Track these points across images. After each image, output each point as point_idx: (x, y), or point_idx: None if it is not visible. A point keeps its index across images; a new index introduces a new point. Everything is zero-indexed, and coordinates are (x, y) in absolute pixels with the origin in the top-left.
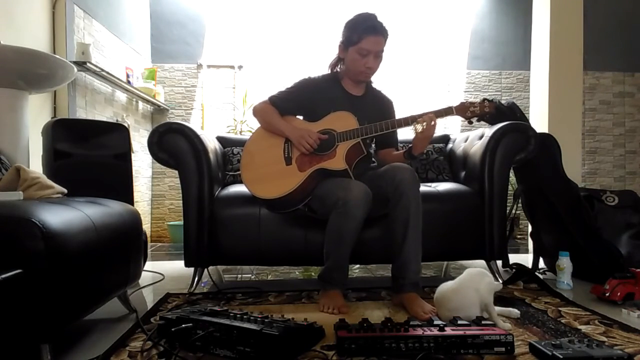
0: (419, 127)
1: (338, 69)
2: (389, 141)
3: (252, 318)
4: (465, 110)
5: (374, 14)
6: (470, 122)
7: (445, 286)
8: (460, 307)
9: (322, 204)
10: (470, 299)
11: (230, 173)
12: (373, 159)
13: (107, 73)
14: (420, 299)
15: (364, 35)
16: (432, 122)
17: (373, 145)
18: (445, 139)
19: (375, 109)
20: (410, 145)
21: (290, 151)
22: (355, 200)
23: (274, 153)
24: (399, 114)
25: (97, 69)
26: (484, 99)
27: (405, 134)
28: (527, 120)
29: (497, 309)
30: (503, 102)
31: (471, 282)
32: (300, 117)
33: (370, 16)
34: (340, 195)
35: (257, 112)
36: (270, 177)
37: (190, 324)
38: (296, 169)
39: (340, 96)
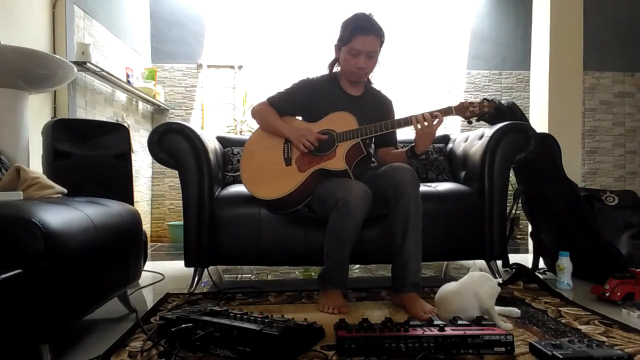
0: (419, 125)
1: (336, 69)
2: (389, 140)
3: (252, 318)
4: (465, 110)
5: (369, 14)
6: (470, 122)
7: (446, 287)
8: (460, 309)
9: (322, 204)
10: (470, 302)
11: (230, 174)
12: (373, 159)
13: (107, 73)
14: (421, 299)
15: (354, 35)
16: (435, 120)
17: (372, 144)
18: (445, 139)
19: (374, 109)
20: (412, 144)
21: (290, 152)
22: (355, 200)
23: (273, 154)
24: (399, 114)
25: (97, 69)
26: (484, 99)
27: (405, 134)
28: (527, 120)
29: (498, 308)
30: (503, 102)
31: (472, 285)
32: (299, 118)
33: (363, 16)
34: (340, 195)
35: (256, 113)
36: (269, 177)
37: (190, 324)
38: (296, 169)
39: (338, 96)
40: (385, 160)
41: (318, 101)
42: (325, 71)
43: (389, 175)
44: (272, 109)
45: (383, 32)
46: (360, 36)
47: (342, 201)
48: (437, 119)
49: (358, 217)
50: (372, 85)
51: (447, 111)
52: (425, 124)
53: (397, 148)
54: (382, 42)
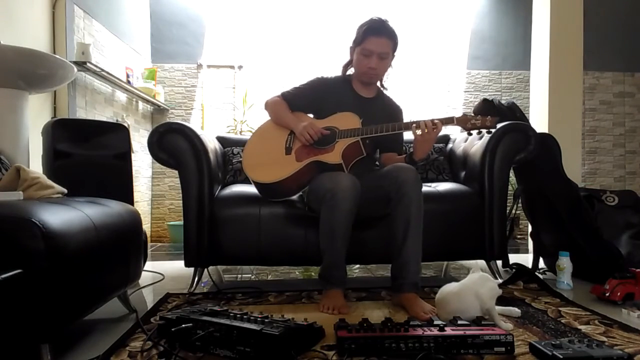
0: (419, 131)
1: (350, 71)
2: (392, 145)
3: (252, 318)
4: (466, 122)
5: (385, 19)
6: (470, 134)
7: (446, 288)
8: (460, 310)
9: (315, 198)
10: (470, 303)
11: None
12: (377, 163)
13: (107, 73)
14: (420, 299)
15: (367, 36)
16: (434, 128)
17: (377, 151)
18: (445, 139)
19: (384, 113)
20: (411, 150)
21: (292, 142)
22: (342, 192)
23: (276, 143)
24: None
25: (97, 69)
26: (484, 99)
27: (408, 135)
28: (527, 120)
29: (498, 308)
30: (503, 102)
31: (473, 286)
32: (311, 115)
33: (378, 19)
34: (328, 187)
35: (269, 105)
36: (267, 163)
37: (190, 324)
38: (294, 158)
39: (349, 97)
40: (388, 165)
41: (328, 100)
42: (327, 70)
43: (392, 175)
44: (284, 102)
45: (396, 36)
46: (373, 37)
47: (330, 193)
48: (436, 128)
49: (346, 209)
50: (386, 91)
51: (448, 121)
52: (426, 131)
53: (401, 154)
54: (395, 46)
